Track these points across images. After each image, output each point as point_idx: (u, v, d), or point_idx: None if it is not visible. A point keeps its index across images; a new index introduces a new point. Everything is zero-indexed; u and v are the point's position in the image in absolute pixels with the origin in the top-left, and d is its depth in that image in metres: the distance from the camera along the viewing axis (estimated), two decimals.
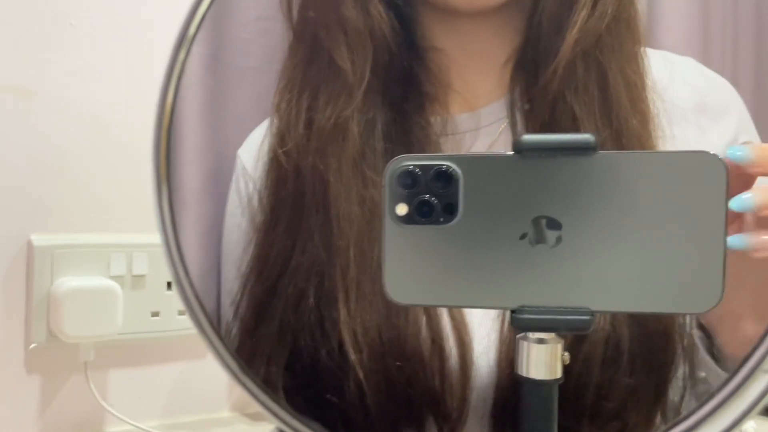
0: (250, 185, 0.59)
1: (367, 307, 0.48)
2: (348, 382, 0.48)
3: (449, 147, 0.53)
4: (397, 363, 0.47)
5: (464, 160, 0.34)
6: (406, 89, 0.54)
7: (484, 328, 0.49)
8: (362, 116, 0.51)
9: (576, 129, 0.49)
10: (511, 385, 0.47)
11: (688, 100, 0.53)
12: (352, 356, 0.47)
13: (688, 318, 0.48)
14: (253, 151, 0.59)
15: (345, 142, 0.51)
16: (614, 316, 0.47)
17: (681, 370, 0.48)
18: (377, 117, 0.52)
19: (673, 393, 0.48)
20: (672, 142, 0.51)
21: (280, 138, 0.54)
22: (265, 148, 0.57)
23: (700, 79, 0.56)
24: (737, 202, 0.35)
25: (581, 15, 0.49)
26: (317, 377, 0.50)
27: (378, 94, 0.52)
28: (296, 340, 0.51)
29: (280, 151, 0.53)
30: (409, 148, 0.52)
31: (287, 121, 0.53)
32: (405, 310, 0.48)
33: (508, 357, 0.47)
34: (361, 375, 0.47)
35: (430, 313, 0.48)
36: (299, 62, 0.54)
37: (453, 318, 0.49)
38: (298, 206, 0.53)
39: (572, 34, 0.49)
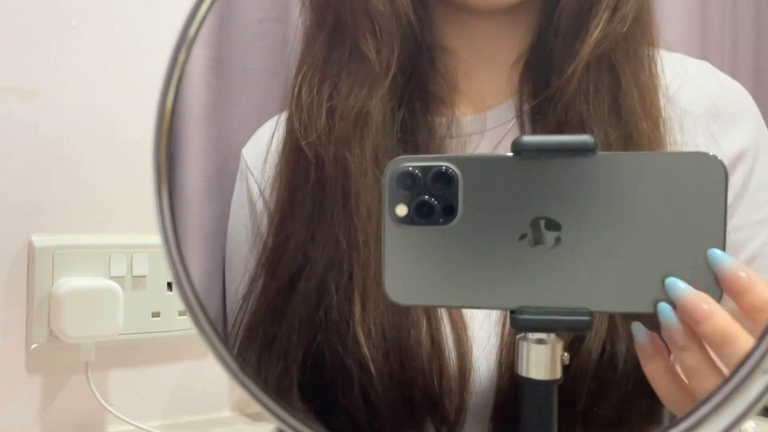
0: (258, 184, 0.59)
1: (382, 304, 0.48)
2: (353, 380, 0.47)
3: (454, 149, 0.53)
4: (401, 363, 0.47)
5: (463, 161, 0.34)
6: (414, 87, 0.53)
7: (484, 332, 0.49)
8: (384, 106, 0.50)
9: (583, 133, 0.48)
10: (511, 388, 0.47)
11: (699, 105, 0.52)
12: (367, 353, 0.47)
13: None
14: (259, 149, 0.58)
15: (366, 133, 0.50)
16: (612, 328, 0.46)
17: None
18: (396, 108, 0.51)
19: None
20: (681, 147, 0.50)
21: (302, 128, 0.52)
22: (275, 144, 0.56)
23: (713, 85, 0.55)
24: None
25: (602, 18, 0.48)
26: (325, 374, 0.50)
27: (399, 86, 0.51)
28: (314, 337, 0.50)
29: (302, 143, 0.52)
30: (415, 147, 0.51)
31: (308, 111, 0.52)
32: (409, 310, 0.48)
33: (508, 360, 0.47)
34: (374, 372, 0.47)
35: (431, 314, 0.48)
36: (319, 49, 0.53)
37: (453, 321, 0.48)
38: (317, 199, 0.51)
39: (592, 38, 0.48)
